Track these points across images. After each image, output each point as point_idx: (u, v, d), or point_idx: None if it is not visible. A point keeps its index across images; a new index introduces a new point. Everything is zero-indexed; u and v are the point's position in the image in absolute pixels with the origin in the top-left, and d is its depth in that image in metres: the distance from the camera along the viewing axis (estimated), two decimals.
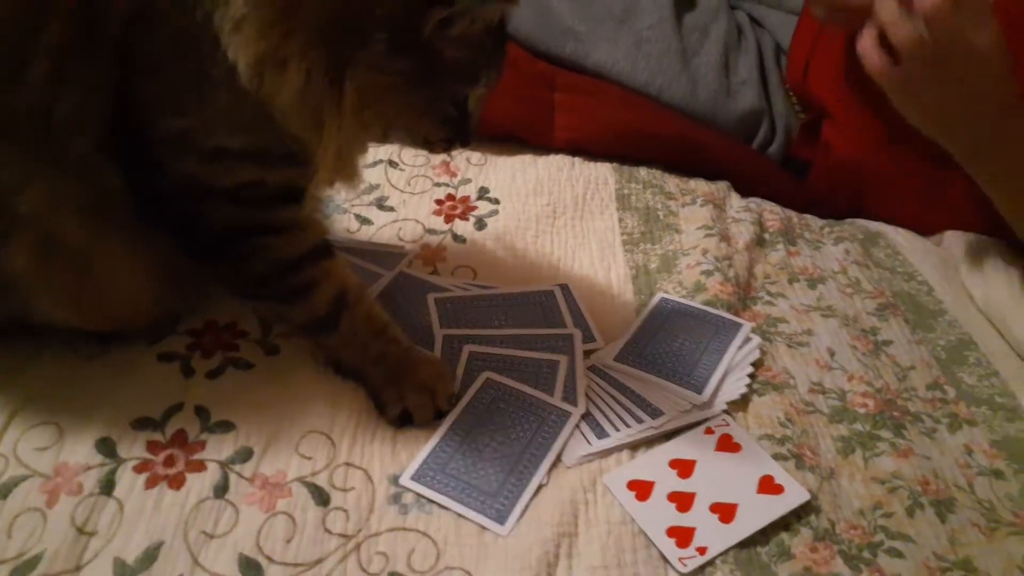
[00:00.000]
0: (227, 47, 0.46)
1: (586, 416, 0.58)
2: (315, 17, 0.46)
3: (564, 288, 0.69)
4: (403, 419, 0.57)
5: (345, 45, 0.47)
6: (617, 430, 0.57)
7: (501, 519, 0.51)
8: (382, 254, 0.71)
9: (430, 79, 0.50)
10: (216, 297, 0.65)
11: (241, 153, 0.51)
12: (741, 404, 0.60)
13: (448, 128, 0.55)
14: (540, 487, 0.54)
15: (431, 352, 0.62)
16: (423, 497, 0.52)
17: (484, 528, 0.51)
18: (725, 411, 0.59)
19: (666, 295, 0.69)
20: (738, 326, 0.66)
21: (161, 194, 0.52)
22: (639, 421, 0.57)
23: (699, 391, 0.60)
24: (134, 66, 0.48)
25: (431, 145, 0.56)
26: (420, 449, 0.55)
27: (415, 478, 0.53)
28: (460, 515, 0.52)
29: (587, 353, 0.63)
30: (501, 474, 0.53)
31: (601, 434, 0.57)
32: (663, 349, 0.63)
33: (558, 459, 0.56)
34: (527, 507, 0.52)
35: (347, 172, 0.55)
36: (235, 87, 0.47)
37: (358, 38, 0.47)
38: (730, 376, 0.62)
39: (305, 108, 0.48)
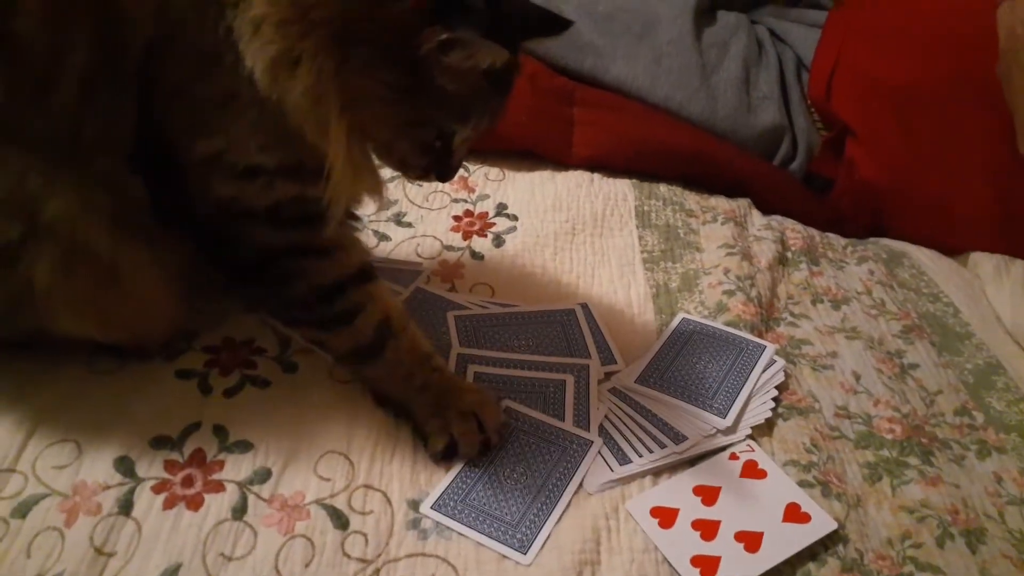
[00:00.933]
0: (245, 54, 0.46)
1: (608, 441, 0.57)
2: (328, 17, 0.46)
3: (585, 308, 0.68)
4: (448, 452, 0.54)
5: (350, 46, 0.47)
6: (640, 456, 0.56)
7: (523, 549, 0.50)
8: (398, 271, 0.70)
9: (416, 100, 0.50)
10: (234, 314, 0.65)
11: (276, 169, 0.51)
12: (766, 429, 0.59)
13: (428, 158, 0.54)
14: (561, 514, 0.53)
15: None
16: (444, 526, 0.51)
17: (502, 554, 0.50)
18: (750, 436, 0.58)
19: (688, 315, 0.69)
20: (761, 348, 0.65)
21: (198, 218, 0.52)
22: (662, 446, 0.56)
23: (723, 415, 0.59)
24: (160, 90, 0.49)
25: (407, 168, 0.55)
26: (439, 474, 0.54)
27: (436, 507, 0.52)
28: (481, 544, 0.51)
29: (608, 375, 0.63)
30: (523, 504, 0.53)
31: (623, 460, 0.56)
32: (685, 371, 0.63)
33: (580, 486, 0.55)
34: (549, 536, 0.51)
35: (366, 180, 0.54)
36: (260, 100, 0.47)
37: (360, 41, 0.47)
38: (754, 400, 0.61)
39: (316, 108, 0.48)
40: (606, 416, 0.59)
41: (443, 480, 0.54)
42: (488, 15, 0.48)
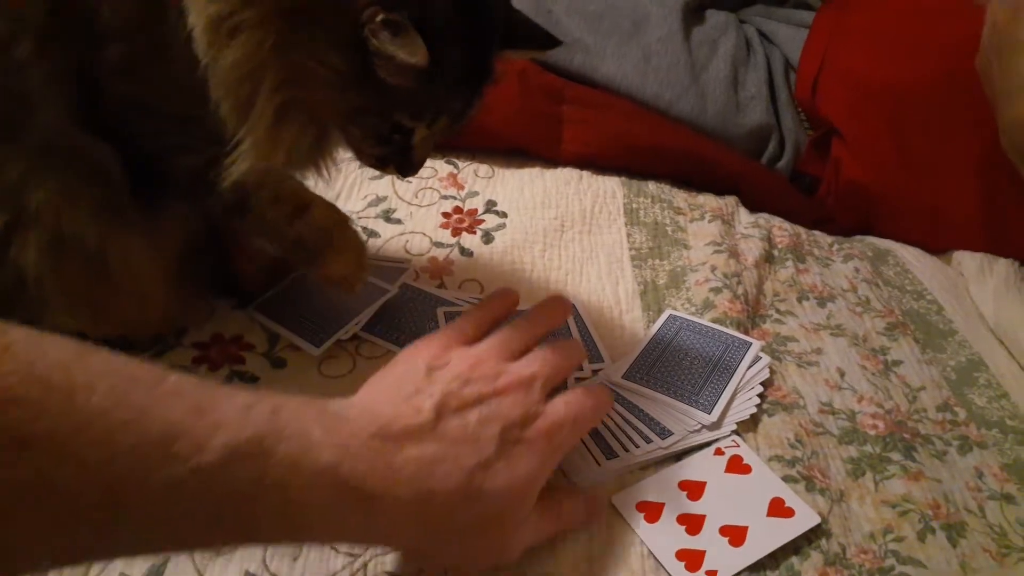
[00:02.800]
0: (189, 10, 0.45)
1: (594, 435, 0.58)
2: None
3: (573, 307, 0.69)
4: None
5: (296, 23, 0.46)
6: (626, 450, 0.56)
7: None
8: (384, 268, 0.71)
9: (361, 88, 0.48)
10: (222, 310, 0.65)
11: (168, 115, 0.51)
12: (751, 424, 0.60)
13: (383, 148, 0.54)
14: None
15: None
16: None
17: None
18: (735, 432, 0.59)
19: (675, 312, 0.69)
20: (747, 345, 0.65)
21: (128, 148, 0.52)
22: (648, 441, 0.57)
23: (708, 411, 0.59)
24: (95, 32, 0.48)
25: (360, 155, 0.56)
26: None
27: None
28: None
29: (595, 372, 0.63)
30: None
31: (610, 454, 0.56)
32: (671, 367, 0.63)
33: (567, 478, 0.55)
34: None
35: (286, 152, 0.51)
36: (187, 60, 0.46)
37: (306, 19, 0.46)
38: (739, 396, 0.61)
39: (241, 84, 0.47)
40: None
41: None
42: (448, 12, 0.47)
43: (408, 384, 0.45)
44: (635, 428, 0.58)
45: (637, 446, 0.57)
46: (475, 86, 0.53)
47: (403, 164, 0.55)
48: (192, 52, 0.47)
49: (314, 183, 0.60)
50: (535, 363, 0.49)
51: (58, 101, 0.49)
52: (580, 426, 0.50)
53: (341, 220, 0.61)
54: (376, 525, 0.41)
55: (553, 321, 0.57)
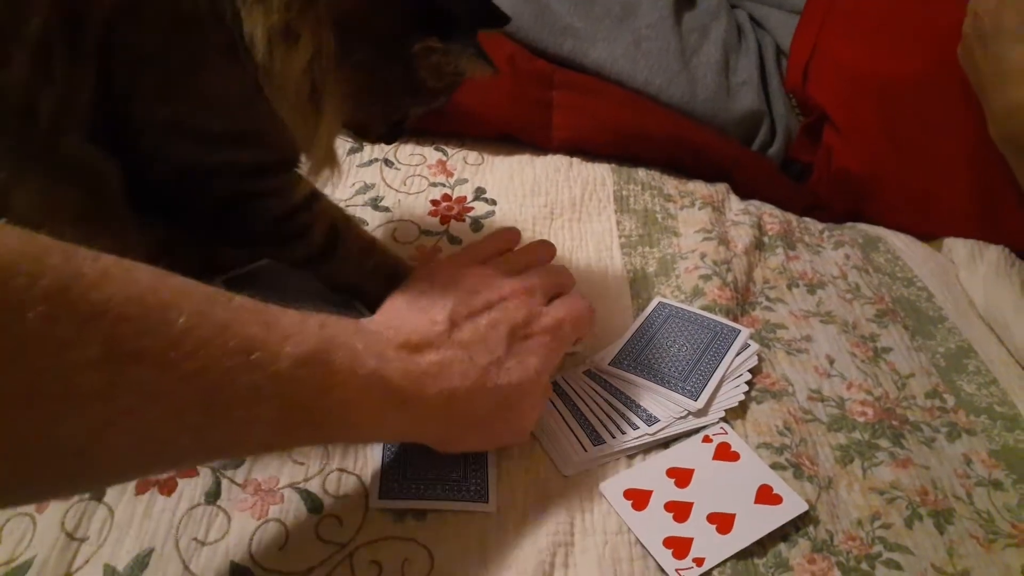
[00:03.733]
0: (244, 20, 0.47)
1: (581, 421, 0.57)
2: (332, 4, 0.49)
3: None
4: None
5: (348, 37, 0.50)
6: (613, 436, 0.56)
7: (482, 497, 0.52)
8: None
9: (394, 87, 0.55)
10: None
11: (220, 135, 0.53)
12: (739, 412, 0.60)
13: (385, 128, 0.61)
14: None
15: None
16: (401, 512, 0.51)
17: (482, 538, 0.50)
18: (723, 419, 0.58)
19: (664, 299, 0.69)
20: (736, 332, 0.65)
21: (155, 180, 0.53)
22: (634, 427, 0.57)
23: (694, 398, 0.59)
24: (124, 57, 0.48)
25: (366, 135, 0.62)
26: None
27: (383, 496, 0.52)
28: (443, 513, 0.51)
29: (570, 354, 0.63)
30: (459, 457, 0.54)
31: (597, 440, 0.56)
32: (659, 354, 0.63)
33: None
34: (497, 477, 0.54)
35: (333, 158, 0.58)
36: (226, 70, 0.49)
37: (360, 35, 0.50)
38: (727, 383, 0.61)
39: (303, 84, 0.50)
40: (579, 396, 0.59)
41: (375, 471, 0.53)
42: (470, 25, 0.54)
43: (423, 299, 0.51)
44: (621, 414, 0.58)
45: (623, 432, 0.56)
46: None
47: (393, 137, 0.62)
48: (230, 58, 0.48)
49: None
50: (534, 276, 0.56)
51: (66, 118, 0.48)
52: (578, 324, 0.56)
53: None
54: (411, 421, 0.48)
55: (544, 255, 0.63)
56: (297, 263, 0.61)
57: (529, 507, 0.53)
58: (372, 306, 0.61)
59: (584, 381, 0.61)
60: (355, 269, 0.62)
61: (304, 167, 0.58)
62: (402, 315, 0.50)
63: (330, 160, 0.57)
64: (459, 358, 0.48)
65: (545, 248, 0.63)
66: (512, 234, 0.64)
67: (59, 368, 0.33)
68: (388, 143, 0.62)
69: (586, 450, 0.55)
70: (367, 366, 0.44)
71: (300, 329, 0.42)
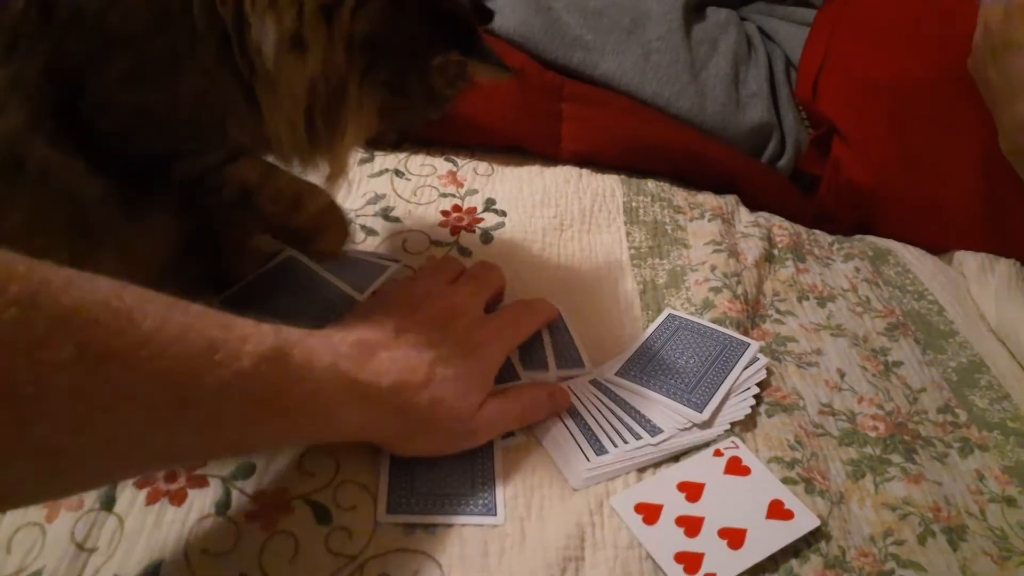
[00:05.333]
0: (252, 24, 0.47)
1: (584, 430, 0.57)
2: (349, 20, 0.49)
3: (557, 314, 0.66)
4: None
5: (368, 56, 0.50)
6: (615, 446, 0.56)
7: (491, 511, 0.51)
8: (367, 263, 0.69)
9: (412, 98, 0.55)
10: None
11: (176, 128, 0.53)
12: (750, 425, 0.60)
13: (397, 134, 0.64)
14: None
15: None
16: (411, 524, 0.51)
17: (493, 551, 0.50)
18: (729, 431, 0.58)
19: (674, 311, 0.69)
20: (745, 345, 0.65)
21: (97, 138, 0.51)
22: (637, 437, 0.57)
23: (700, 409, 0.59)
24: (93, 30, 0.47)
25: (378, 144, 0.65)
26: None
27: (392, 511, 0.51)
28: (452, 525, 0.51)
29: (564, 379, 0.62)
30: (467, 472, 0.54)
31: (600, 450, 0.56)
32: (666, 366, 0.63)
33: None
34: (505, 491, 0.54)
35: (343, 167, 0.58)
36: (212, 70, 0.48)
37: (381, 55, 0.51)
38: (734, 396, 0.61)
39: (303, 100, 0.50)
40: (584, 406, 0.59)
41: (381, 487, 0.53)
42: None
43: (376, 308, 0.56)
44: (625, 424, 0.58)
45: (626, 442, 0.56)
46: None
47: (400, 141, 0.66)
48: (221, 60, 0.48)
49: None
50: (471, 283, 0.61)
51: (20, 104, 0.47)
52: (523, 326, 0.61)
53: (328, 202, 0.66)
54: (370, 414, 0.49)
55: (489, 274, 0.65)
56: (217, 208, 0.61)
57: (539, 521, 0.52)
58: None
59: (590, 391, 0.61)
60: (274, 223, 0.63)
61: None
62: (351, 323, 0.53)
63: (343, 174, 0.58)
64: (408, 355, 0.51)
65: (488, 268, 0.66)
66: (455, 264, 0.66)
67: (34, 369, 0.33)
68: (394, 148, 0.63)
69: (588, 460, 0.55)
70: (324, 360, 0.46)
71: (257, 330, 0.44)
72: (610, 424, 0.58)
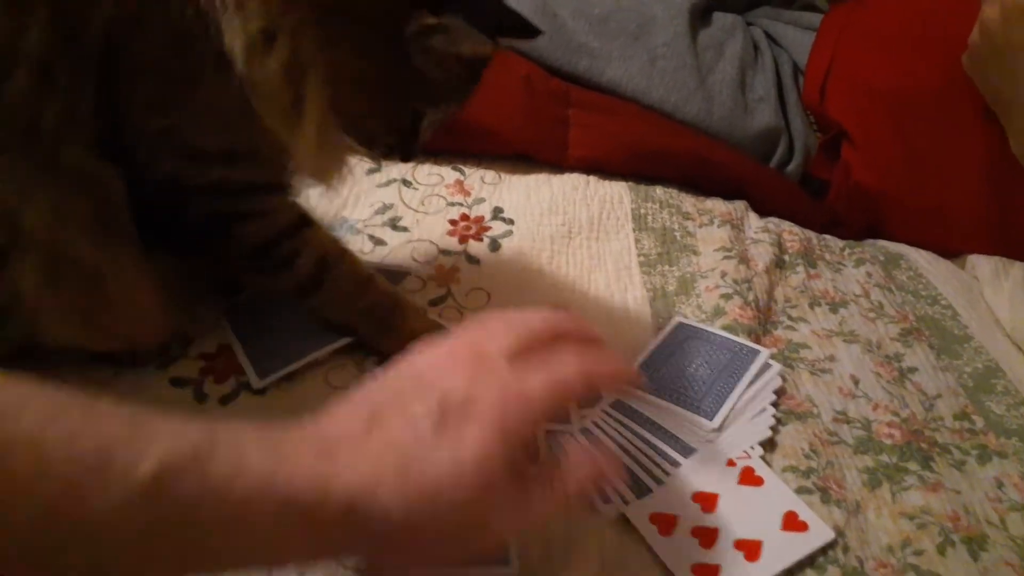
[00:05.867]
0: (225, 30, 0.46)
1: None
2: None
3: None
4: None
5: (335, 24, 0.48)
6: (660, 483, 0.54)
7: (503, 561, 0.49)
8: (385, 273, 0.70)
9: (394, 81, 0.51)
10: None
11: (218, 154, 0.52)
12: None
13: (394, 137, 0.56)
14: None
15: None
16: None
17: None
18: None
19: (683, 319, 0.68)
20: (755, 352, 0.64)
21: (146, 192, 0.52)
22: (675, 465, 0.56)
23: (710, 417, 0.58)
24: (123, 68, 0.48)
25: (373, 146, 0.57)
26: None
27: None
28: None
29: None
30: None
31: (642, 491, 0.54)
32: (676, 374, 0.62)
33: None
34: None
35: (329, 158, 0.55)
36: (220, 84, 0.48)
37: (346, 18, 0.48)
38: (749, 409, 0.60)
39: (285, 89, 0.48)
40: (611, 438, 0.57)
41: None
42: (469, 7, 0.49)
43: (375, 388, 0.41)
44: (659, 451, 0.56)
45: (668, 474, 0.55)
46: (481, 70, 0.55)
47: (408, 150, 0.57)
48: (220, 72, 0.47)
49: (322, 191, 0.60)
50: (547, 372, 0.41)
51: (75, 138, 0.48)
52: (555, 394, 0.41)
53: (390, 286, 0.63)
54: (321, 537, 0.36)
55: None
56: (283, 294, 0.59)
57: (554, 556, 0.51)
58: (369, 347, 0.60)
59: (611, 415, 0.59)
60: (345, 305, 0.60)
61: (300, 182, 0.57)
62: (332, 414, 0.41)
63: (324, 159, 0.54)
64: (376, 455, 0.37)
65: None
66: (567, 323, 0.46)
67: None
68: (404, 159, 0.58)
69: (627, 503, 0.53)
70: (255, 468, 0.35)
71: (176, 429, 0.34)
72: (646, 456, 0.56)
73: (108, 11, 0.47)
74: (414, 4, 0.48)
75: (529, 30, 0.55)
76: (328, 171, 0.56)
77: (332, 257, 0.59)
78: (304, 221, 0.58)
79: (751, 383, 0.62)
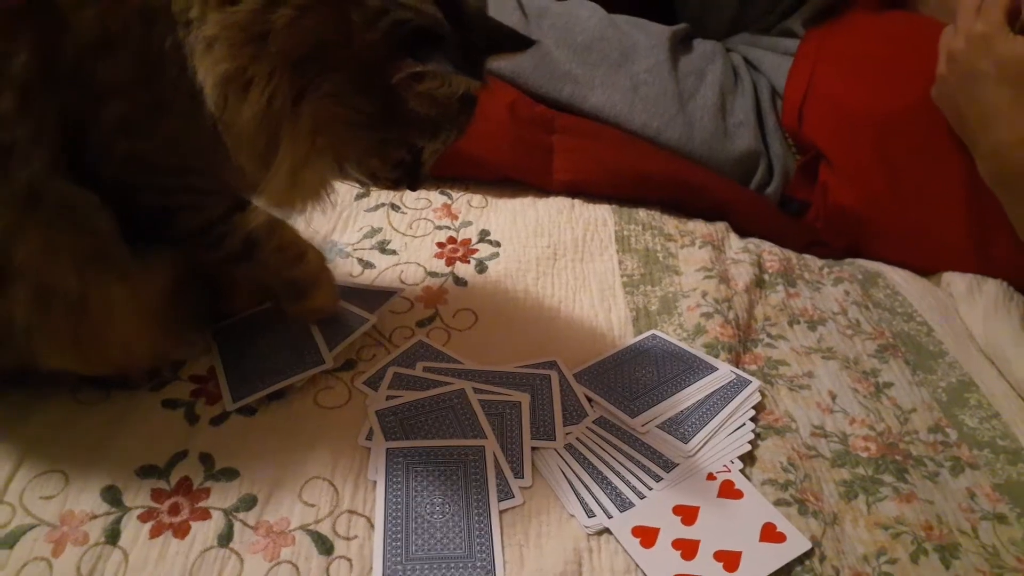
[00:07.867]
0: (197, 68, 0.47)
1: (601, 482, 0.57)
2: (287, 45, 0.47)
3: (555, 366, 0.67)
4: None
5: (312, 72, 0.49)
6: (642, 497, 0.56)
7: (490, 574, 0.51)
8: (369, 293, 0.72)
9: (388, 123, 0.52)
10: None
11: (170, 168, 0.54)
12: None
13: (399, 171, 0.58)
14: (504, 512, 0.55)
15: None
16: None
17: None
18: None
19: (657, 332, 0.71)
20: (713, 368, 0.67)
21: (101, 183, 0.53)
22: (657, 479, 0.57)
23: (633, 416, 0.62)
24: (92, 89, 0.50)
25: (377, 181, 0.59)
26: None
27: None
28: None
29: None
30: (462, 534, 0.53)
31: (624, 504, 0.55)
32: (621, 376, 0.66)
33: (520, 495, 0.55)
34: (504, 554, 0.52)
35: (303, 193, 0.56)
36: (191, 115, 0.49)
37: (326, 68, 0.49)
38: (732, 428, 0.62)
39: (260, 134, 0.49)
40: (594, 454, 0.59)
41: (376, 550, 0.52)
42: (458, 42, 0.50)
43: None
44: (641, 466, 0.58)
45: (650, 488, 0.57)
46: (473, 97, 0.56)
47: (414, 180, 0.59)
48: (194, 105, 0.48)
49: (308, 215, 0.61)
50: None
51: (43, 154, 0.49)
52: None
53: (324, 262, 0.67)
54: None
55: None
56: (214, 264, 0.62)
57: (537, 552, 0.53)
58: (281, 305, 0.66)
59: (596, 431, 0.61)
60: (270, 276, 0.64)
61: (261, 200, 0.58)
62: None
63: (294, 194, 0.55)
64: None
65: None
66: None
67: None
68: (412, 188, 0.60)
69: (610, 516, 0.54)
70: None
71: None
72: (629, 471, 0.58)
73: (86, 38, 0.48)
74: (398, 50, 0.48)
75: (522, 41, 0.56)
76: (296, 202, 0.57)
77: (260, 236, 0.61)
78: (237, 205, 0.60)
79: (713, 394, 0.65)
